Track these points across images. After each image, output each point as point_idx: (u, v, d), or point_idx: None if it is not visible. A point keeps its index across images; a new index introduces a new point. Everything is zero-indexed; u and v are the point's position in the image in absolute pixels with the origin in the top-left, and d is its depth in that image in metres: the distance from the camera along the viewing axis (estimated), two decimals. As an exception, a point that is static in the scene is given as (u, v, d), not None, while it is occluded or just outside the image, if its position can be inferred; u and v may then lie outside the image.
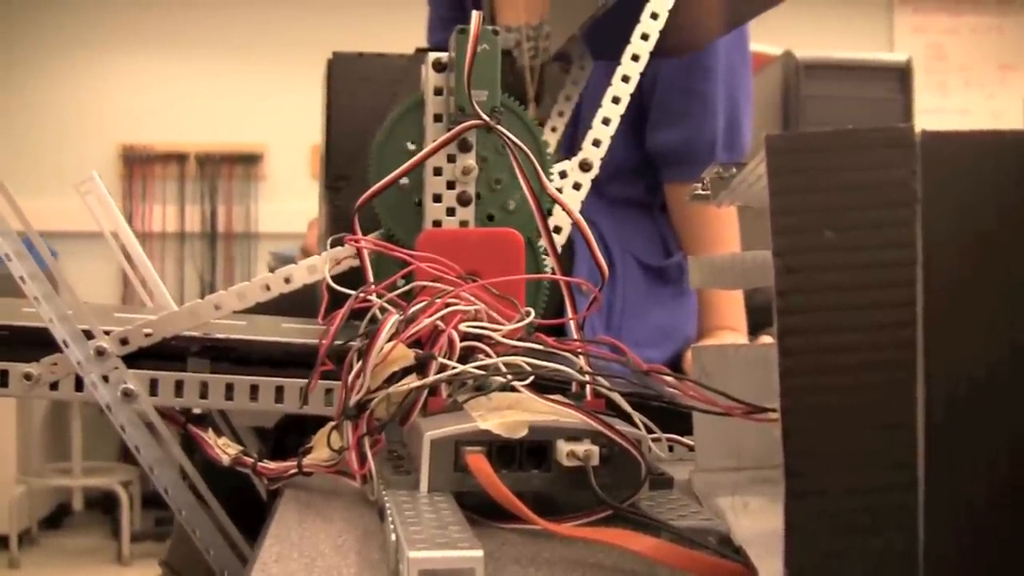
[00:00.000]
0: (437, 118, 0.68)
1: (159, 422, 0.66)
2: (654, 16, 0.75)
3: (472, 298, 0.58)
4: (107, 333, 0.66)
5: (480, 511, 0.48)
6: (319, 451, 0.57)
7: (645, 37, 0.75)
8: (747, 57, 1.28)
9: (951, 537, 0.33)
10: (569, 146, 1.28)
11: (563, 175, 0.74)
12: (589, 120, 1.25)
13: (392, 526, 0.43)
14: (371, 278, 0.65)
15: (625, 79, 0.75)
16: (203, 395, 0.67)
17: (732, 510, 0.47)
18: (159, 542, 3.50)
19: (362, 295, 0.61)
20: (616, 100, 0.76)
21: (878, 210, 0.33)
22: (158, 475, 0.65)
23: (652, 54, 0.76)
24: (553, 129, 1.05)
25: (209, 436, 0.64)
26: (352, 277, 0.67)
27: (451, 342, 0.54)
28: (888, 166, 0.33)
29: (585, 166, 0.73)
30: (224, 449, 0.63)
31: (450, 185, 0.68)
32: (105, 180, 0.71)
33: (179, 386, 0.67)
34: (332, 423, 0.56)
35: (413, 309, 0.56)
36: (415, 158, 0.66)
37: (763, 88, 1.81)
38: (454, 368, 0.53)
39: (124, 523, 3.43)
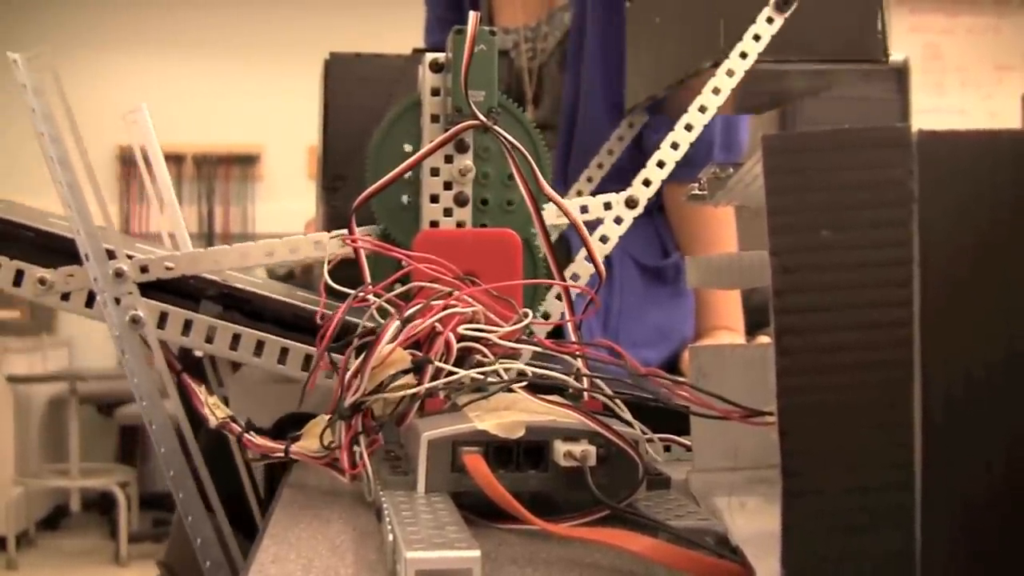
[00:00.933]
0: (434, 119, 0.68)
1: (159, 355, 0.66)
2: (769, 20, 0.73)
3: (470, 299, 0.58)
4: (129, 258, 0.66)
5: (477, 511, 0.48)
6: (309, 441, 0.57)
7: (757, 38, 0.73)
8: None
9: (948, 537, 0.33)
10: (565, 151, 1.28)
11: (608, 206, 0.74)
12: (585, 122, 1.26)
13: (389, 526, 0.43)
14: (368, 278, 0.65)
15: (716, 91, 0.74)
16: (209, 339, 0.67)
17: (729, 510, 0.47)
18: (157, 543, 3.49)
19: (361, 295, 0.61)
20: (703, 109, 0.75)
21: (875, 209, 0.33)
22: (148, 408, 0.64)
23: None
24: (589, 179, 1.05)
25: (201, 392, 0.64)
26: (346, 276, 0.67)
27: (448, 345, 0.54)
28: (885, 165, 0.33)
29: (631, 203, 0.74)
30: (213, 409, 0.63)
31: (447, 186, 0.68)
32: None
33: (187, 325, 0.67)
34: (325, 417, 0.56)
35: (411, 311, 0.56)
36: (412, 158, 0.66)
37: (760, 88, 1.80)
38: (451, 374, 0.53)
39: (121, 524, 3.44)
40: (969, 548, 0.33)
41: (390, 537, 0.42)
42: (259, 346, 0.67)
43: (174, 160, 4.26)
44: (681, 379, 0.53)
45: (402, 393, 0.52)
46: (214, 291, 0.69)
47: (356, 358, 0.54)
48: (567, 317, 0.65)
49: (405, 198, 0.70)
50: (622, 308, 1.20)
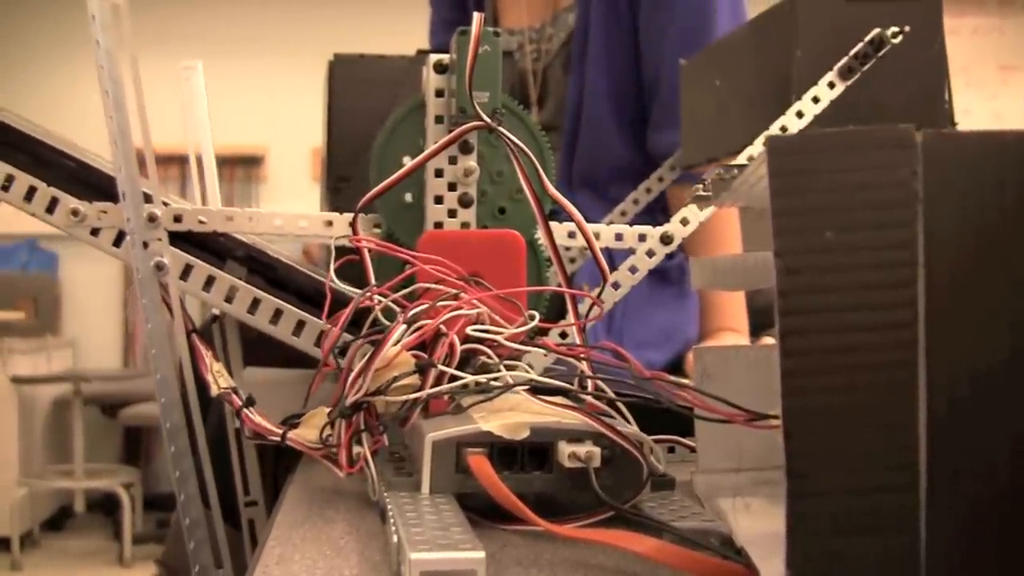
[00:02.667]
0: (438, 120, 0.68)
1: (177, 307, 0.66)
2: (831, 85, 0.72)
3: (475, 301, 0.58)
4: (165, 205, 0.66)
5: (482, 512, 0.48)
6: (307, 431, 0.56)
7: (816, 100, 0.72)
8: (748, 58, 1.28)
9: (953, 538, 0.33)
10: (569, 152, 1.28)
11: (642, 238, 0.74)
12: (589, 124, 1.26)
13: (394, 527, 0.43)
14: (372, 278, 0.65)
15: (815, 100, 0.73)
16: (228, 299, 0.67)
17: (734, 511, 0.47)
18: (160, 544, 3.49)
19: (367, 295, 0.61)
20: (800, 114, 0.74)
21: (880, 211, 0.33)
22: (156, 357, 0.64)
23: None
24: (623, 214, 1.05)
25: (208, 357, 0.64)
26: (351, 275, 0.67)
27: (452, 347, 0.54)
28: (889, 167, 0.33)
29: (666, 239, 0.74)
30: (217, 377, 0.63)
31: (451, 187, 0.68)
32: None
33: (209, 282, 0.67)
34: (325, 409, 0.56)
35: (416, 310, 0.56)
36: (416, 160, 0.66)
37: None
38: (455, 378, 0.53)
39: (126, 525, 3.44)
40: (974, 549, 0.33)
41: (394, 538, 0.42)
42: (277, 315, 0.68)
43: (178, 161, 4.26)
44: (685, 381, 0.53)
45: (404, 397, 0.52)
46: (242, 252, 0.70)
47: (361, 358, 0.54)
48: (571, 319, 0.65)
49: (409, 197, 0.70)
50: (626, 309, 1.19)
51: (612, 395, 0.55)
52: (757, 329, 1.26)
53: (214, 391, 0.61)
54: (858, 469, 0.33)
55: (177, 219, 0.67)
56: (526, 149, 0.65)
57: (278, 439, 0.57)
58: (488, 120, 0.65)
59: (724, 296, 1.26)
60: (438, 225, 0.68)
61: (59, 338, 4.16)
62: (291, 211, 0.70)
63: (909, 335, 0.33)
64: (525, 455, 0.49)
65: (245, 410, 0.59)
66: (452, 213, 0.68)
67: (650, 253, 0.74)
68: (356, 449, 0.53)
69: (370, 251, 0.67)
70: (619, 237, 0.74)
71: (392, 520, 0.44)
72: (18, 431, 3.54)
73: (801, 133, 0.34)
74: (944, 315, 0.33)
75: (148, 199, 0.66)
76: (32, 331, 3.88)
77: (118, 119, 0.64)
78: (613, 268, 0.71)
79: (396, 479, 0.50)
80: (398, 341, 0.53)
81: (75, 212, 0.66)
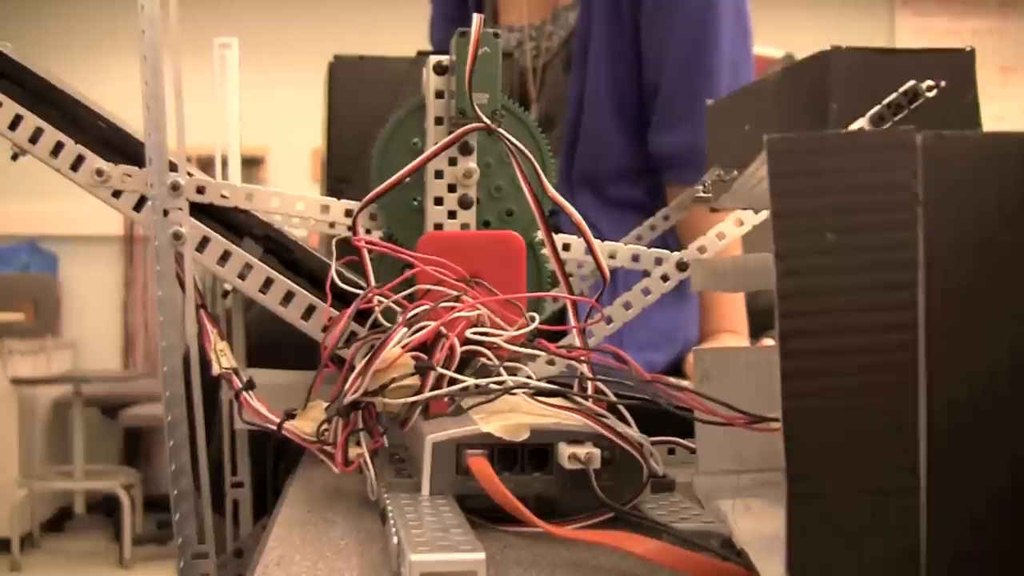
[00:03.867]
0: (438, 121, 0.68)
1: (190, 278, 0.66)
2: None
3: (475, 303, 0.58)
4: (189, 175, 0.67)
5: (482, 514, 0.48)
6: (304, 423, 0.56)
7: None
8: (750, 60, 1.28)
9: (954, 539, 0.33)
10: (570, 153, 1.28)
11: (659, 262, 0.74)
12: (590, 125, 1.25)
13: (394, 529, 0.43)
14: (372, 279, 0.65)
15: None
16: (242, 276, 0.68)
17: (734, 513, 0.47)
18: (161, 545, 3.50)
19: (369, 295, 0.61)
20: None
21: (880, 212, 0.33)
22: (165, 325, 0.64)
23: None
24: None
25: (213, 334, 0.64)
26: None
27: (452, 350, 0.54)
28: (890, 168, 0.33)
29: (682, 265, 0.74)
30: (219, 355, 0.63)
31: (451, 188, 0.68)
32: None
33: (225, 256, 0.68)
34: (323, 403, 0.56)
35: (414, 312, 0.56)
36: (416, 161, 0.66)
37: (764, 91, 1.80)
38: (453, 381, 0.53)
39: (126, 526, 3.43)
40: (975, 550, 0.33)
41: (394, 539, 0.42)
42: (288, 296, 0.68)
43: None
44: (686, 384, 0.53)
45: (402, 400, 0.52)
46: (260, 231, 0.70)
47: (363, 357, 0.54)
48: (571, 322, 0.65)
49: (414, 201, 0.70)
50: (626, 311, 1.19)
51: (612, 398, 0.55)
52: (757, 331, 1.26)
53: (215, 369, 0.61)
54: (859, 471, 0.33)
55: (200, 191, 0.68)
56: (526, 151, 0.65)
57: (274, 427, 0.57)
58: (488, 121, 0.65)
59: (724, 298, 1.25)
60: (438, 226, 0.68)
61: (59, 339, 4.16)
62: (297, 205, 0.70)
63: (909, 337, 0.33)
64: (525, 456, 0.49)
65: (244, 393, 0.59)
66: (452, 214, 0.68)
67: (664, 278, 0.74)
68: (356, 450, 0.53)
69: (370, 251, 0.67)
70: (636, 258, 0.74)
71: (392, 521, 0.44)
72: (18, 432, 3.54)
73: (801, 135, 0.34)
74: (945, 316, 0.33)
75: (173, 168, 0.66)
76: (32, 332, 3.88)
77: (153, 85, 0.64)
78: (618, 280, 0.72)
79: (396, 480, 0.50)
80: (399, 343, 0.53)
81: (99, 172, 0.67)
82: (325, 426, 0.54)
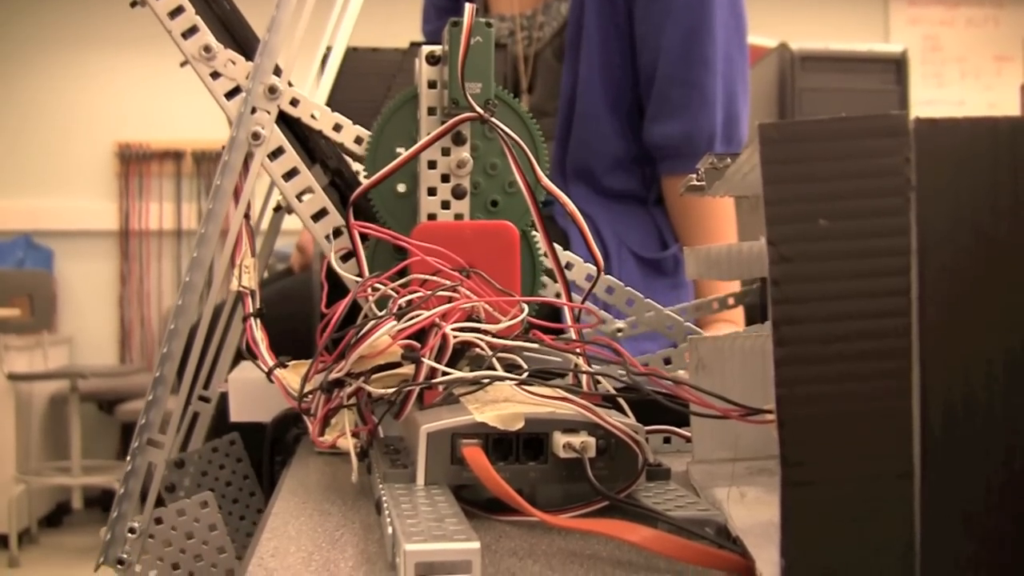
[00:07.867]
0: (431, 111, 0.68)
1: (250, 184, 0.67)
2: None
3: (470, 294, 0.58)
4: (290, 85, 0.68)
5: (477, 504, 0.48)
6: (293, 377, 0.57)
7: None
8: (744, 50, 1.28)
9: (949, 524, 0.33)
10: (562, 141, 1.28)
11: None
12: (583, 114, 1.25)
13: (389, 519, 0.43)
14: (365, 267, 0.65)
15: None
16: (299, 197, 0.68)
17: (729, 500, 0.47)
18: (159, 540, 3.49)
19: (367, 284, 0.61)
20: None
21: (872, 198, 0.33)
22: (204, 237, 0.66)
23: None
24: None
25: (247, 248, 0.65)
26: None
27: (444, 340, 0.54)
28: (882, 154, 0.33)
29: None
30: (242, 272, 0.63)
31: (444, 178, 0.68)
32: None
33: (292, 172, 0.68)
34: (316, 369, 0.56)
35: (404, 299, 0.56)
36: (409, 151, 0.66)
37: (759, 80, 1.80)
38: (444, 373, 0.53)
39: (123, 521, 3.43)
40: (970, 535, 0.33)
41: (389, 530, 0.42)
42: (336, 232, 0.69)
43: (173, 157, 4.25)
44: (681, 374, 0.53)
45: (386, 390, 0.52)
46: (333, 164, 0.71)
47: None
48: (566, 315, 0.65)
49: (402, 187, 0.69)
50: (621, 301, 1.19)
51: (610, 389, 0.55)
52: (751, 321, 1.26)
53: (233, 285, 0.62)
54: (853, 457, 0.33)
55: (294, 103, 0.68)
56: (519, 140, 0.64)
57: (266, 368, 0.58)
58: (480, 111, 0.65)
59: (719, 286, 1.25)
60: (431, 217, 0.68)
61: (55, 335, 4.15)
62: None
63: (903, 323, 0.33)
64: (520, 446, 0.49)
65: (252, 319, 0.59)
66: (445, 205, 0.68)
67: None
68: (337, 435, 0.53)
69: (365, 241, 0.67)
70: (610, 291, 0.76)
71: (387, 512, 0.44)
72: (15, 428, 3.54)
73: (793, 120, 0.34)
74: (938, 301, 0.33)
75: (277, 72, 0.67)
76: (28, 328, 3.88)
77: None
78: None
79: (391, 471, 0.50)
80: (389, 333, 0.53)
81: (207, 48, 0.68)
82: (309, 396, 0.54)
